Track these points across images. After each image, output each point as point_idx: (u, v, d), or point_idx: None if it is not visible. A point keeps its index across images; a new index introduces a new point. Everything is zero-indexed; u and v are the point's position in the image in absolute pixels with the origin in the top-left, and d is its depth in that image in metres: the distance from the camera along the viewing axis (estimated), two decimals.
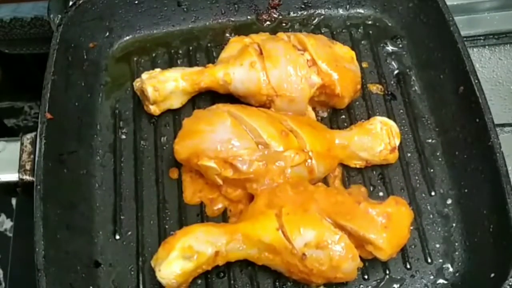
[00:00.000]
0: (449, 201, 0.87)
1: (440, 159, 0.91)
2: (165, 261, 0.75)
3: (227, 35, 1.03)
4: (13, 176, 0.87)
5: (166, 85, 0.91)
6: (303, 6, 1.05)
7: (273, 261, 0.78)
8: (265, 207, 0.78)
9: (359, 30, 1.03)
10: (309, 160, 0.83)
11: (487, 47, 1.10)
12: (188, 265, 0.75)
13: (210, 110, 0.86)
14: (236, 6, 1.04)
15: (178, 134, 0.85)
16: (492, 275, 0.78)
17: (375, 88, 0.98)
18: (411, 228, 0.80)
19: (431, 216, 0.87)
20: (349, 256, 0.75)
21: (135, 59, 1.01)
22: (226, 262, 0.78)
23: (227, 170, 0.81)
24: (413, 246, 0.84)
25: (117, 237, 0.86)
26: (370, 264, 0.81)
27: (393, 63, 1.00)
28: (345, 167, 0.90)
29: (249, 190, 0.83)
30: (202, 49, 1.02)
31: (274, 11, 1.05)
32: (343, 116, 0.95)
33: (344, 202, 0.76)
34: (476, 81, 0.87)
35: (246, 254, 0.78)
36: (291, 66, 0.87)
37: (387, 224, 0.75)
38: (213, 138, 0.80)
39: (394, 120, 0.91)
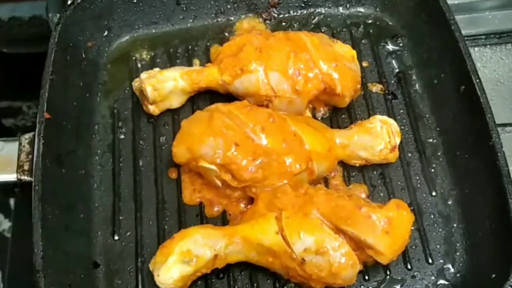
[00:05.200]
0: (450, 201, 0.87)
1: (441, 159, 0.90)
2: (164, 266, 0.75)
3: (226, 34, 1.02)
4: (11, 177, 0.86)
5: (165, 85, 0.90)
6: (303, 5, 1.04)
7: (272, 264, 0.77)
8: (265, 209, 0.77)
9: (360, 29, 1.03)
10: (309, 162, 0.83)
11: (488, 46, 1.10)
12: (187, 269, 0.75)
13: (209, 111, 0.85)
14: (235, 5, 1.03)
15: (176, 136, 0.84)
16: (493, 275, 0.77)
17: (375, 88, 0.97)
18: (412, 228, 0.79)
19: (432, 216, 0.86)
20: (349, 263, 0.74)
21: (133, 58, 1.01)
22: (226, 264, 0.78)
23: (226, 174, 0.80)
24: (414, 247, 0.84)
25: (116, 237, 0.85)
26: (371, 265, 0.81)
27: (393, 62, 1.00)
28: (345, 167, 0.89)
29: (248, 193, 0.82)
30: (201, 49, 1.02)
31: (274, 10, 1.04)
32: (344, 116, 0.94)
33: (344, 206, 0.76)
34: (477, 80, 0.86)
35: (245, 257, 0.78)
36: (290, 66, 0.87)
37: (388, 229, 0.75)
38: (211, 142, 0.80)
39: (395, 120, 0.90)
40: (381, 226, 0.75)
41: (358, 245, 0.76)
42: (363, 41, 1.02)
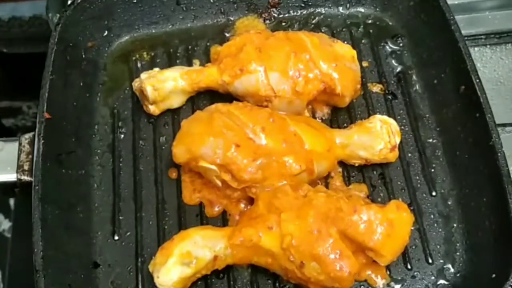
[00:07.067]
0: (450, 201, 0.87)
1: (441, 159, 0.90)
2: (164, 267, 0.75)
3: (226, 34, 1.02)
4: (11, 177, 0.87)
5: (165, 85, 0.90)
6: (303, 5, 1.04)
7: (272, 266, 0.77)
8: (265, 210, 0.77)
9: (360, 29, 1.03)
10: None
11: (488, 46, 1.10)
12: (187, 271, 0.75)
13: (209, 111, 0.85)
14: (235, 5, 1.03)
15: (176, 136, 0.84)
16: (494, 275, 0.77)
17: (375, 88, 0.97)
18: (412, 228, 0.79)
19: (432, 216, 0.86)
20: (348, 269, 0.74)
21: (133, 58, 1.01)
22: (226, 265, 0.78)
23: (226, 174, 0.80)
24: (414, 247, 0.84)
25: (116, 237, 0.85)
26: None
27: (393, 62, 1.00)
28: (345, 167, 0.89)
29: (248, 193, 0.82)
30: (201, 49, 1.02)
31: (274, 10, 1.04)
32: (344, 116, 0.94)
33: (344, 209, 0.76)
34: (477, 80, 0.86)
35: (245, 258, 0.78)
36: (290, 67, 0.87)
37: (388, 231, 0.75)
38: (211, 142, 0.80)
39: (395, 120, 0.90)
40: (381, 228, 0.75)
41: (358, 247, 0.76)
42: (363, 41, 1.02)
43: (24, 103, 1.37)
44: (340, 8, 1.05)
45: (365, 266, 0.80)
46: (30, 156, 0.86)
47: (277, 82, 0.87)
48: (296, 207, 0.76)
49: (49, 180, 0.82)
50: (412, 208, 0.86)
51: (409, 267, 0.83)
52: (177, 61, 1.00)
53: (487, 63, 1.09)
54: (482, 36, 1.10)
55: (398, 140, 0.87)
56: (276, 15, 1.04)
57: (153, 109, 0.93)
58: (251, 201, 0.83)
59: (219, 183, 0.83)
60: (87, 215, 0.86)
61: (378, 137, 0.86)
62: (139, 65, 1.00)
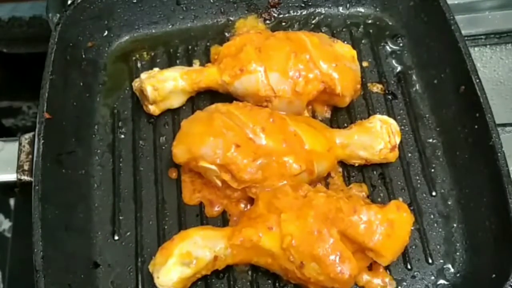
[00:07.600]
0: (450, 201, 0.87)
1: (441, 159, 0.90)
2: (163, 268, 0.75)
3: (226, 34, 1.02)
4: (11, 177, 0.87)
5: (165, 85, 0.90)
6: (303, 5, 1.04)
7: (272, 266, 0.77)
8: (265, 210, 0.77)
9: (360, 29, 1.03)
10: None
11: (488, 46, 1.10)
12: (187, 271, 0.75)
13: (209, 111, 0.85)
14: (235, 5, 1.03)
15: (176, 136, 0.84)
16: (494, 275, 0.77)
17: (375, 88, 0.97)
18: (412, 228, 0.79)
19: (432, 216, 0.86)
20: (348, 270, 0.74)
21: (133, 58, 1.01)
22: (226, 265, 0.78)
23: (226, 174, 0.80)
24: (414, 247, 0.84)
25: (116, 237, 0.85)
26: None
27: (393, 62, 1.00)
28: (345, 167, 0.89)
29: (248, 193, 0.82)
30: (201, 49, 1.02)
31: (274, 10, 1.04)
32: (344, 116, 0.94)
33: (344, 209, 0.76)
34: (477, 80, 0.86)
35: (245, 259, 0.78)
36: (290, 67, 0.87)
37: (388, 231, 0.75)
38: (211, 142, 0.80)
39: (395, 120, 0.90)
40: (382, 228, 0.75)
41: (358, 247, 0.76)
42: (363, 41, 1.02)
43: (24, 103, 1.37)
44: (340, 8, 1.05)
45: (365, 267, 0.80)
46: (30, 156, 0.86)
47: (277, 82, 0.87)
48: (296, 207, 0.76)
49: (49, 180, 0.82)
50: (412, 208, 0.86)
51: (409, 267, 0.83)
52: (177, 61, 1.00)
53: (487, 63, 1.09)
54: (482, 36, 1.10)
55: (398, 140, 0.87)
56: (276, 15, 1.04)
57: (153, 109, 0.93)
58: (251, 201, 0.83)
59: (219, 183, 0.83)
60: (87, 215, 0.86)
61: (378, 137, 0.86)
62: (139, 65, 1.00)
